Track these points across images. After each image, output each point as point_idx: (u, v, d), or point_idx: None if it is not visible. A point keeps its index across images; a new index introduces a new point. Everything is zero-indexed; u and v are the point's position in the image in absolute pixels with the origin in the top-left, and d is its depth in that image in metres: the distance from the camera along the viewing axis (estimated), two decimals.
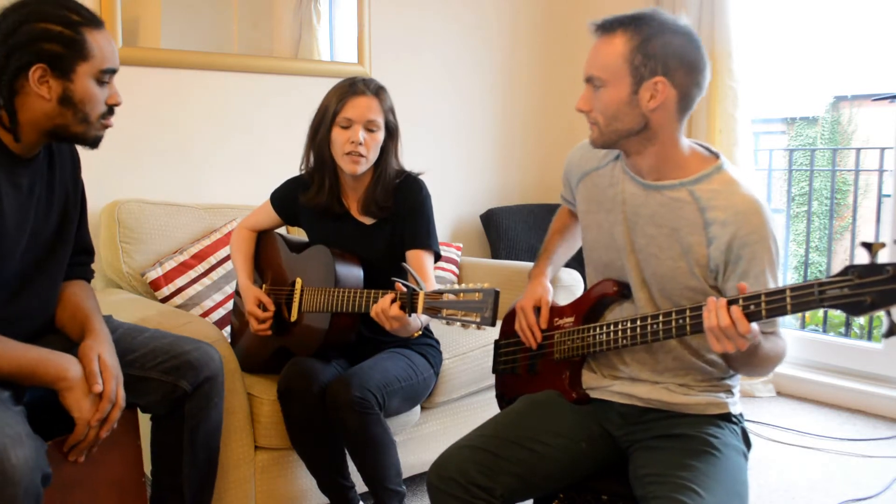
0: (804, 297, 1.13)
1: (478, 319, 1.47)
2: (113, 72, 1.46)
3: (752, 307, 1.20)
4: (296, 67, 2.87)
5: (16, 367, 1.36)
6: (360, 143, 1.88)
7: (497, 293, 1.46)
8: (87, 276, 1.71)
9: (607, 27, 1.36)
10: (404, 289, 1.63)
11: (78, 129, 1.44)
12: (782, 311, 1.17)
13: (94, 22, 1.43)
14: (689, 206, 1.39)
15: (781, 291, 1.16)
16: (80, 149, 1.56)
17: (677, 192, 1.41)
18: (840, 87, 7.90)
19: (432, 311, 1.54)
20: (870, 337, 3.39)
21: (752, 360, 1.34)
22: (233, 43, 2.72)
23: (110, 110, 1.48)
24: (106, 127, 1.49)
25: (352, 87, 1.91)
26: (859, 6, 5.86)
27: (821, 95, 8.01)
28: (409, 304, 1.60)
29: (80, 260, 1.67)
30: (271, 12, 2.81)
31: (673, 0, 3.23)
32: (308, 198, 2.02)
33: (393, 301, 1.64)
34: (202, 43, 2.65)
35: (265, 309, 2.00)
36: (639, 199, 1.45)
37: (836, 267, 5.84)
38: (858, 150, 5.02)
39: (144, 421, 1.66)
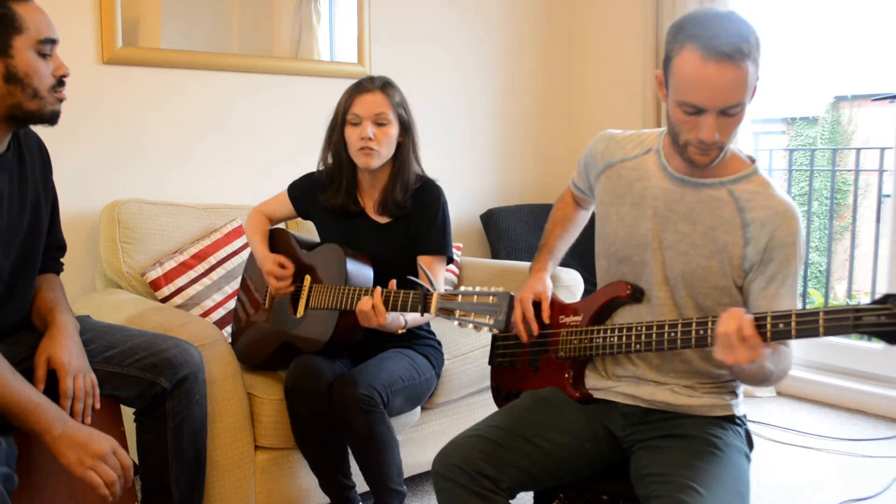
0: (838, 322, 1.12)
1: (491, 322, 1.47)
2: (52, 41, 1.44)
3: (780, 326, 1.18)
4: (296, 67, 2.87)
5: (14, 403, 1.36)
6: (371, 138, 1.90)
7: (512, 297, 1.46)
8: (57, 269, 1.72)
9: (741, 56, 1.26)
10: (394, 285, 1.67)
11: (31, 105, 1.43)
12: (814, 333, 1.15)
13: None
14: (727, 205, 1.40)
15: (815, 313, 1.15)
16: (78, 148, 1.55)
17: (717, 191, 1.41)
18: (840, 87, 7.90)
19: (445, 311, 1.54)
20: (870, 337, 3.39)
21: (753, 378, 1.35)
22: (233, 43, 2.72)
23: (60, 82, 1.46)
24: (60, 100, 1.47)
25: (358, 86, 1.96)
26: (859, 6, 5.86)
27: (821, 95, 8.01)
28: (421, 303, 1.61)
29: (51, 255, 1.68)
30: (271, 12, 2.81)
31: (673, 0, 3.23)
32: (326, 198, 2.04)
33: (384, 296, 1.67)
34: (202, 43, 2.65)
35: (285, 268, 2.00)
36: (674, 196, 1.45)
37: (836, 267, 5.86)
38: (858, 150, 5.03)
39: (127, 412, 1.67)
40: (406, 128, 1.98)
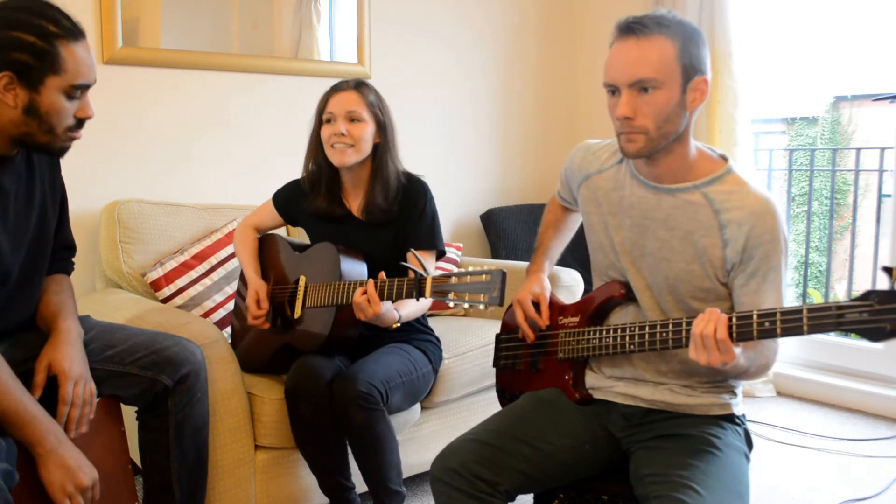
0: (821, 319, 1.12)
1: (486, 300, 1.48)
2: (86, 87, 1.43)
3: (766, 324, 1.18)
4: (296, 67, 2.87)
5: (12, 411, 1.36)
6: (343, 134, 1.92)
7: (504, 273, 1.47)
8: (67, 269, 1.72)
9: (645, 29, 1.30)
10: (384, 276, 1.69)
11: (43, 138, 1.42)
12: (798, 331, 1.15)
13: (73, 34, 1.38)
14: (703, 208, 1.39)
15: (798, 311, 1.15)
16: (78, 147, 1.55)
17: (691, 195, 1.41)
18: (840, 87, 7.89)
19: (440, 294, 1.56)
20: (848, 334, 3.39)
21: (728, 373, 1.37)
22: (233, 43, 2.72)
23: (79, 123, 1.45)
24: (73, 139, 1.46)
25: (334, 87, 2.00)
26: (859, 6, 5.85)
27: (821, 95, 8.00)
28: (416, 288, 1.62)
29: (60, 255, 1.68)
30: (271, 12, 2.81)
31: (673, 0, 3.23)
32: (309, 204, 2.06)
33: (378, 286, 1.69)
34: (202, 43, 2.65)
35: (259, 308, 2.02)
36: (650, 203, 1.45)
37: (836, 267, 5.86)
38: (858, 150, 5.03)
39: (129, 411, 1.67)
40: (382, 128, 2.00)
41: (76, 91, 1.41)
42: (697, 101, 1.35)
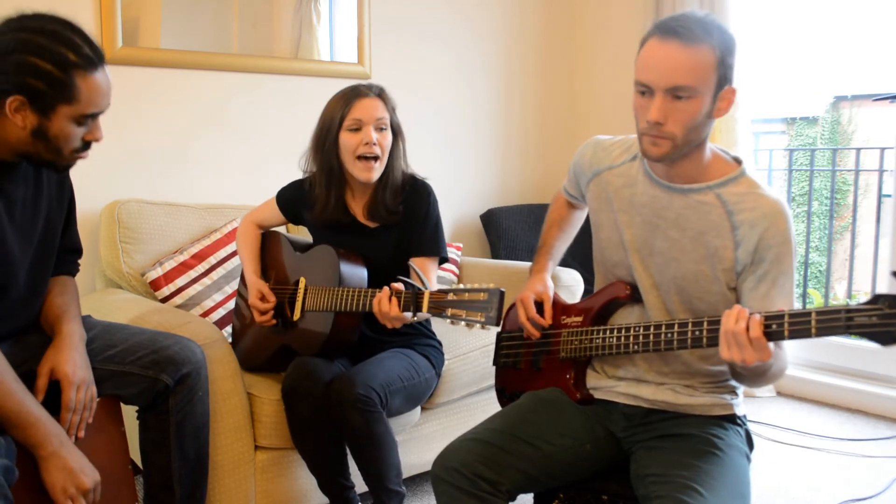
0: (830, 322, 1.12)
1: (482, 319, 1.47)
2: (98, 114, 1.43)
3: (773, 326, 1.18)
4: (296, 67, 2.87)
5: (14, 413, 1.36)
6: (374, 143, 1.89)
7: (502, 293, 1.46)
8: (72, 271, 1.72)
9: (690, 34, 1.27)
10: (401, 287, 1.65)
11: (48, 157, 1.42)
12: (806, 334, 1.15)
13: (92, 63, 1.38)
14: (716, 209, 1.39)
15: (807, 314, 1.15)
16: None
17: (704, 196, 1.40)
18: (840, 87, 7.90)
19: (437, 310, 1.55)
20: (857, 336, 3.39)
21: (757, 375, 1.34)
22: (233, 43, 2.72)
23: (86, 145, 1.45)
24: (78, 159, 1.47)
25: (354, 91, 1.94)
26: (859, 6, 5.86)
27: (821, 95, 8.01)
28: (413, 303, 1.61)
29: (66, 258, 1.68)
30: (271, 12, 2.81)
31: (673, 1, 3.23)
32: (314, 214, 2.02)
33: (392, 298, 1.65)
34: (202, 43, 2.65)
35: (266, 301, 2.01)
36: (662, 202, 1.44)
37: (836, 267, 5.86)
38: (858, 150, 5.03)
39: (129, 411, 1.67)
40: (396, 134, 1.98)
41: (87, 119, 1.41)
42: (723, 110, 1.35)
